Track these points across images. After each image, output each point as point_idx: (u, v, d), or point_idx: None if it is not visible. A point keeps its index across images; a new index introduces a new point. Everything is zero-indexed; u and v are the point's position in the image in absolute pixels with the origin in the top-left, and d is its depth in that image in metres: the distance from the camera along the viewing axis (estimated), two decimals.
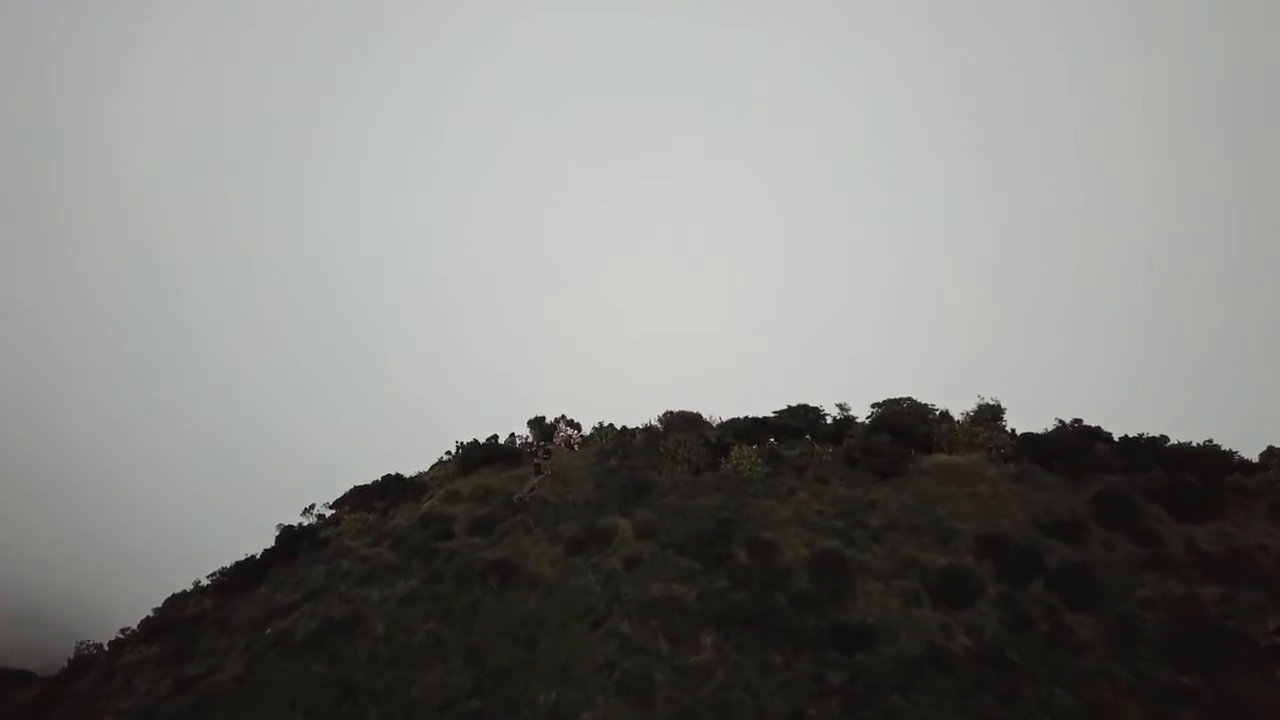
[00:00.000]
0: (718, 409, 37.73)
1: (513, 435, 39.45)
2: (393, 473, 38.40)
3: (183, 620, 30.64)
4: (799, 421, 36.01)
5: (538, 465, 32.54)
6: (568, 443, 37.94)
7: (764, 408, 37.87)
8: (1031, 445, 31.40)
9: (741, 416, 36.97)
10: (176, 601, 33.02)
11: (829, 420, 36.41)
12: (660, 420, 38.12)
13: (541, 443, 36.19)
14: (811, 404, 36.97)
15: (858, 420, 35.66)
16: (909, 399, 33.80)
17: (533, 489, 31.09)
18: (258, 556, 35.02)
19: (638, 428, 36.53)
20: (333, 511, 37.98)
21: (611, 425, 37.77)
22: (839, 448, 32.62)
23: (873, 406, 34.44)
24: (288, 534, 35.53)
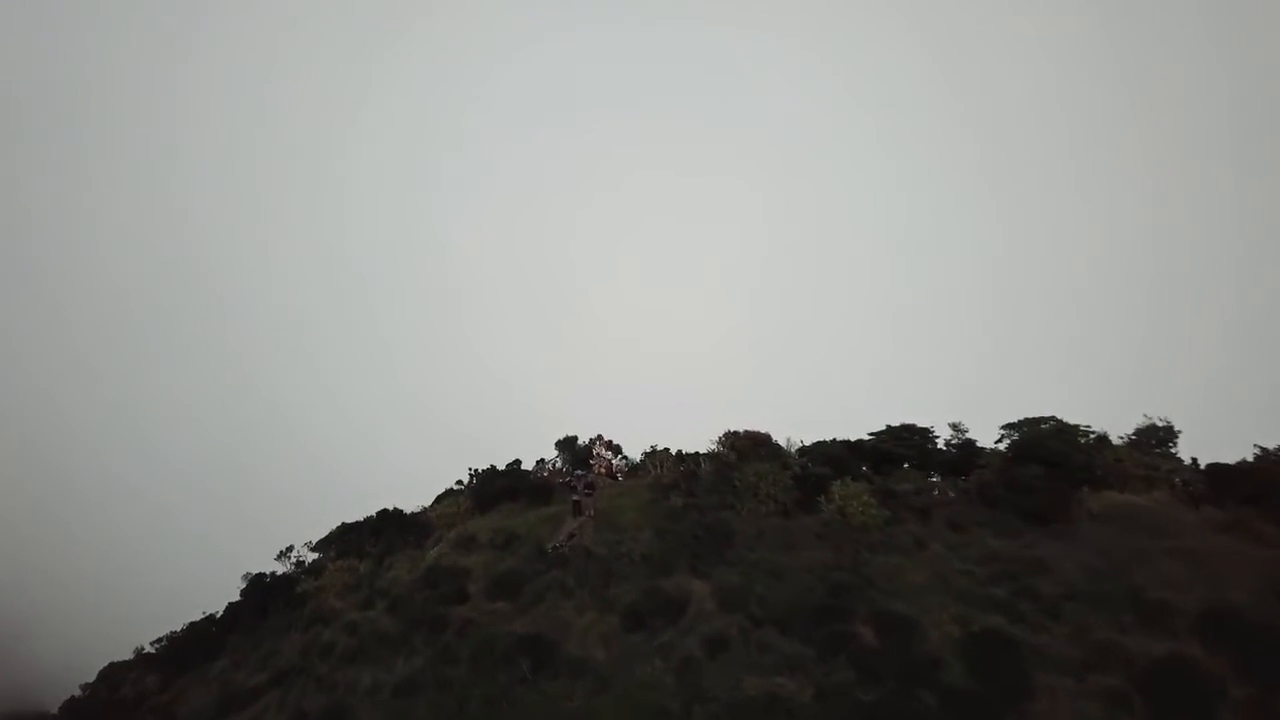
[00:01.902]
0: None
1: (540, 462, 33.52)
2: (389, 507, 32.53)
3: (113, 705, 24.76)
4: (904, 446, 29.90)
5: (577, 503, 26.58)
6: (609, 471, 31.97)
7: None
8: (1227, 481, 25.14)
9: (829, 439, 30.89)
10: (111, 676, 27.19)
11: (942, 445, 30.24)
12: (722, 442, 32.05)
13: (578, 472, 30.30)
14: (918, 424, 30.80)
15: (980, 445, 29.47)
16: (1053, 419, 27.66)
17: (572, 536, 25.13)
18: (217, 616, 29.20)
19: (700, 454, 30.50)
20: (315, 555, 32.12)
21: (666, 450, 31.76)
22: (966, 482, 26.47)
23: (1004, 429, 28.31)
24: (256, 587, 29.71)
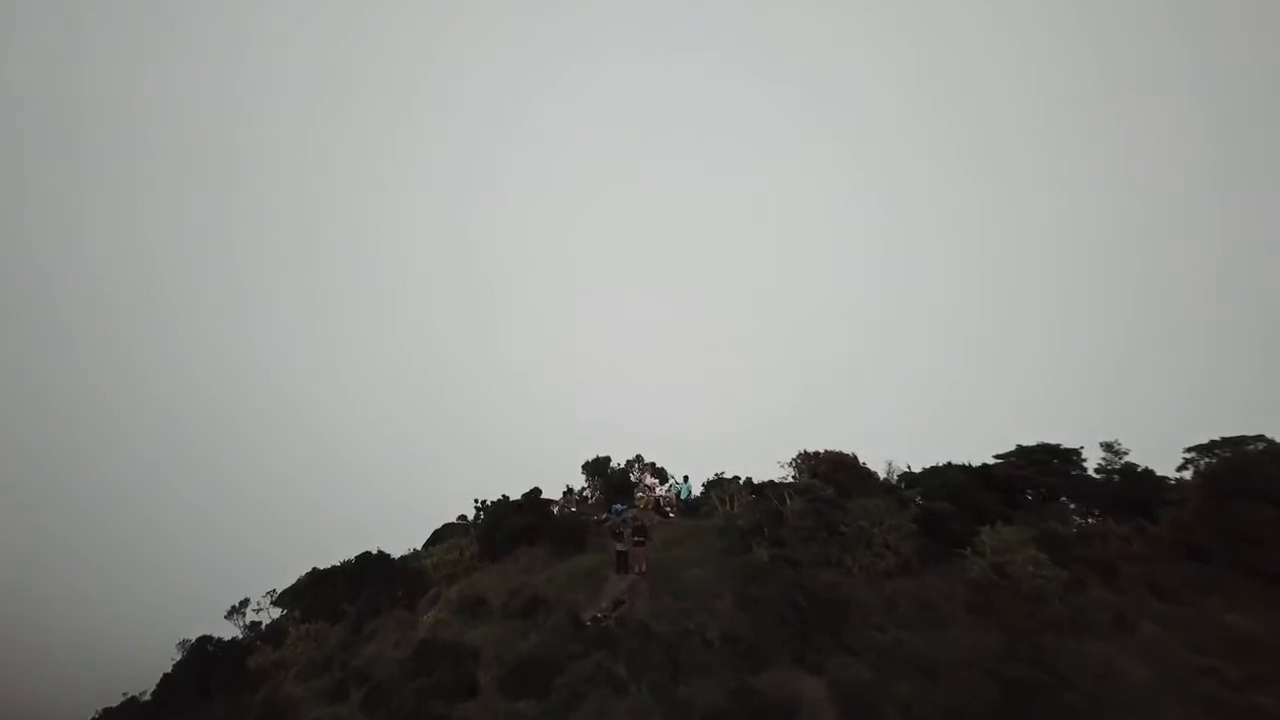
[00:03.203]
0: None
1: (568, 492, 27.25)
2: (373, 550, 26.31)
3: None
4: (1046, 473, 23.60)
5: (622, 555, 20.33)
6: (657, 507, 25.73)
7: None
8: None
9: (943, 464, 24.65)
10: None
11: (1098, 472, 23.93)
12: (799, 465, 25.93)
13: (617, 508, 24.10)
14: (1058, 443, 24.51)
15: (1148, 470, 23.14)
16: (1261, 437, 21.26)
17: (619, 602, 18.90)
18: (143, 699, 23.04)
19: (778, 482, 24.28)
20: (280, 611, 25.97)
21: (736, 479, 25.53)
22: (1155, 525, 20.16)
23: (1191, 452, 21.92)
24: (197, 657, 23.54)
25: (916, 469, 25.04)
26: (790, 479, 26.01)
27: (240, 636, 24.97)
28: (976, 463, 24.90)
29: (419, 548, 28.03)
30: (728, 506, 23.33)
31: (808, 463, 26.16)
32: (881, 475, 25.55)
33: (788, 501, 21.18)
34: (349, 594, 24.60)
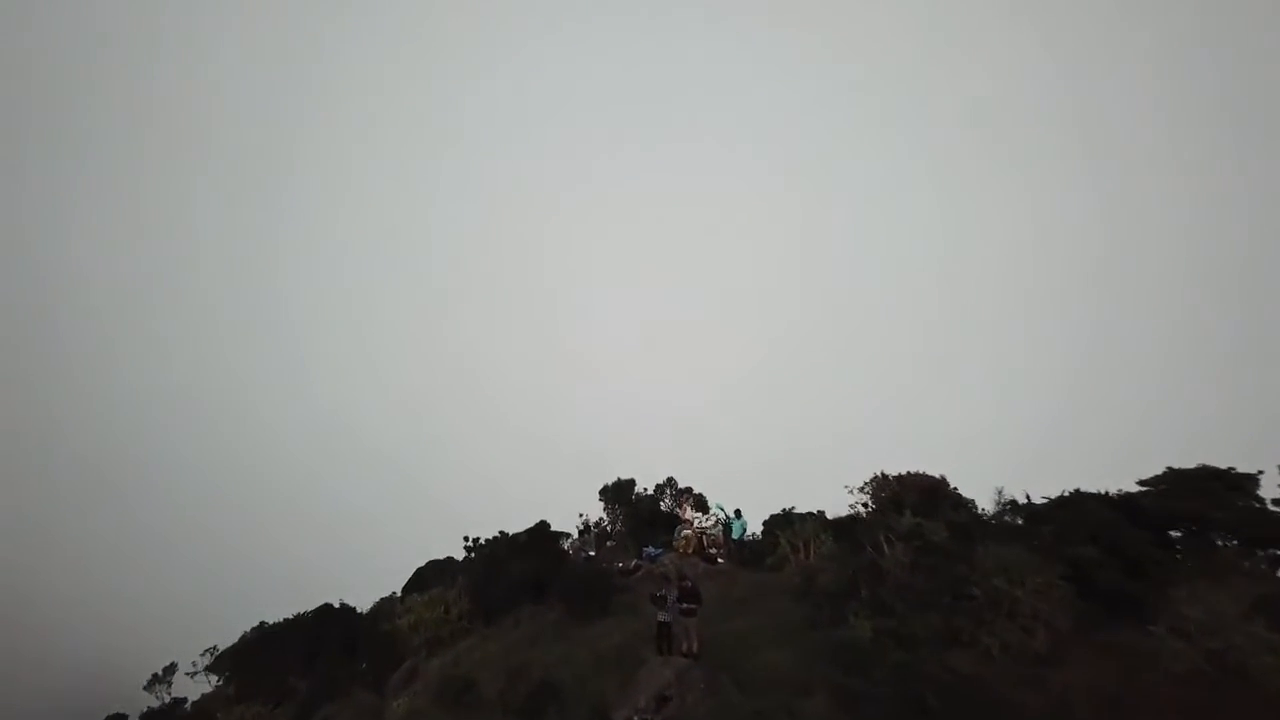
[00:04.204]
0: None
1: (585, 531, 21.90)
2: (335, 602, 21.03)
3: None
4: (1216, 505, 18.33)
5: (664, 627, 15.04)
6: (699, 549, 20.42)
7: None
8: None
9: (1069, 492, 19.38)
10: None
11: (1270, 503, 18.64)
12: (874, 491, 20.82)
13: (649, 551, 18.86)
14: (1229, 466, 19.27)
15: None
16: None
17: (664, 698, 13.64)
18: None
19: (862, 517, 19.01)
20: (212, 682, 20.69)
21: (810, 515, 20.22)
22: None
23: None
24: None
25: (1035, 498, 19.78)
26: (862, 508, 20.84)
27: (162, 705, 19.77)
28: (1113, 490, 19.59)
29: (397, 592, 22.78)
30: (801, 555, 18.03)
31: (887, 488, 20.95)
32: (985, 508, 20.33)
33: (886, 550, 15.90)
34: (302, 662, 19.40)
